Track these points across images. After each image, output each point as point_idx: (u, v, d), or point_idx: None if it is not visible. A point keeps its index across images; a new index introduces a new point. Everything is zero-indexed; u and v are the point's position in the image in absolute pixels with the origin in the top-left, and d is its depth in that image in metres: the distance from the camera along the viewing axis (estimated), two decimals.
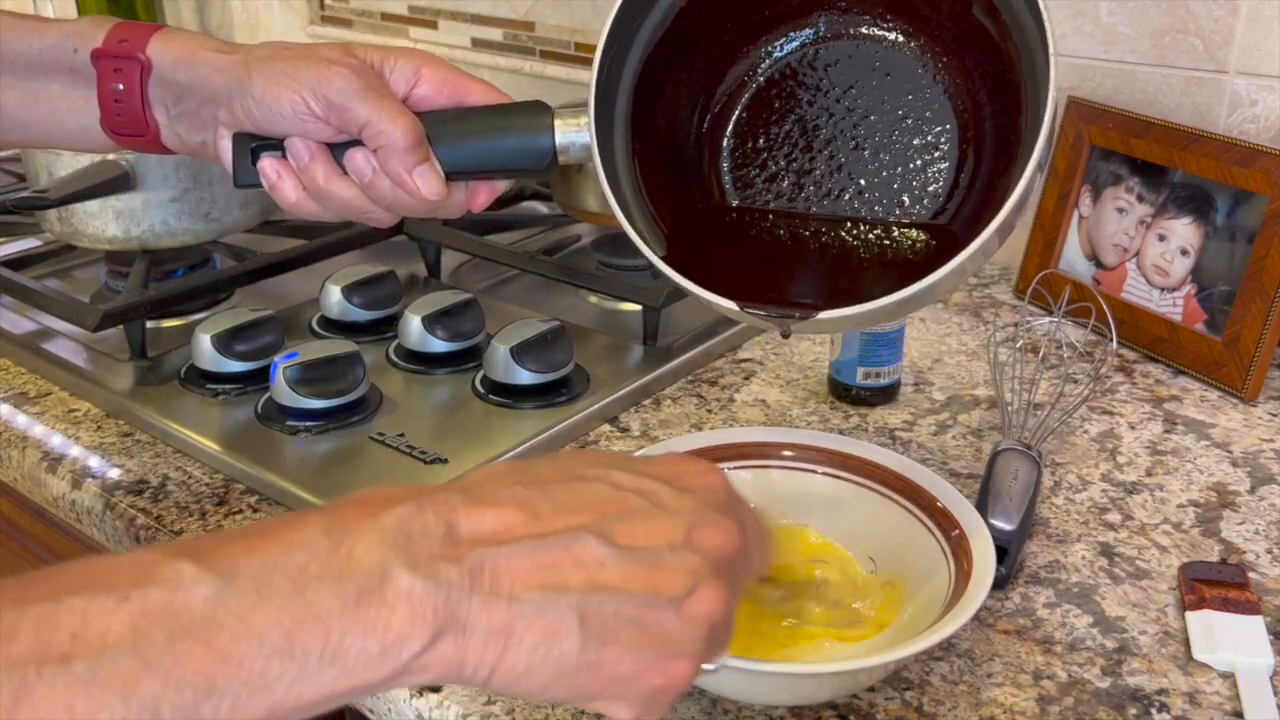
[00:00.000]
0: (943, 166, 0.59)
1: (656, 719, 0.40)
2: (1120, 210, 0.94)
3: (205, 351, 0.84)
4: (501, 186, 0.61)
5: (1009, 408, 0.78)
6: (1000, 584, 0.64)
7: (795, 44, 0.62)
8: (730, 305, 0.55)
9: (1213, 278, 0.88)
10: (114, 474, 0.76)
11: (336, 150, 0.57)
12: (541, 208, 1.21)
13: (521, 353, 0.81)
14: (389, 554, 0.36)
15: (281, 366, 0.78)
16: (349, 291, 0.93)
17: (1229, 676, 0.58)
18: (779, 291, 0.59)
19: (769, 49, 0.63)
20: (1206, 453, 0.79)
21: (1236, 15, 0.92)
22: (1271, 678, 0.57)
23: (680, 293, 0.56)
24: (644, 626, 0.38)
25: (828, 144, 0.61)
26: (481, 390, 0.83)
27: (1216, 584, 0.63)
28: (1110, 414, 0.84)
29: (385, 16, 1.53)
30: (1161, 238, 0.91)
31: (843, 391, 0.85)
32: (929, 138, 0.60)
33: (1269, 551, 0.68)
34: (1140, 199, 0.93)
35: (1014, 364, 0.85)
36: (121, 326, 0.89)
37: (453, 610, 0.36)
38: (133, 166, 0.95)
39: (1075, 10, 1.00)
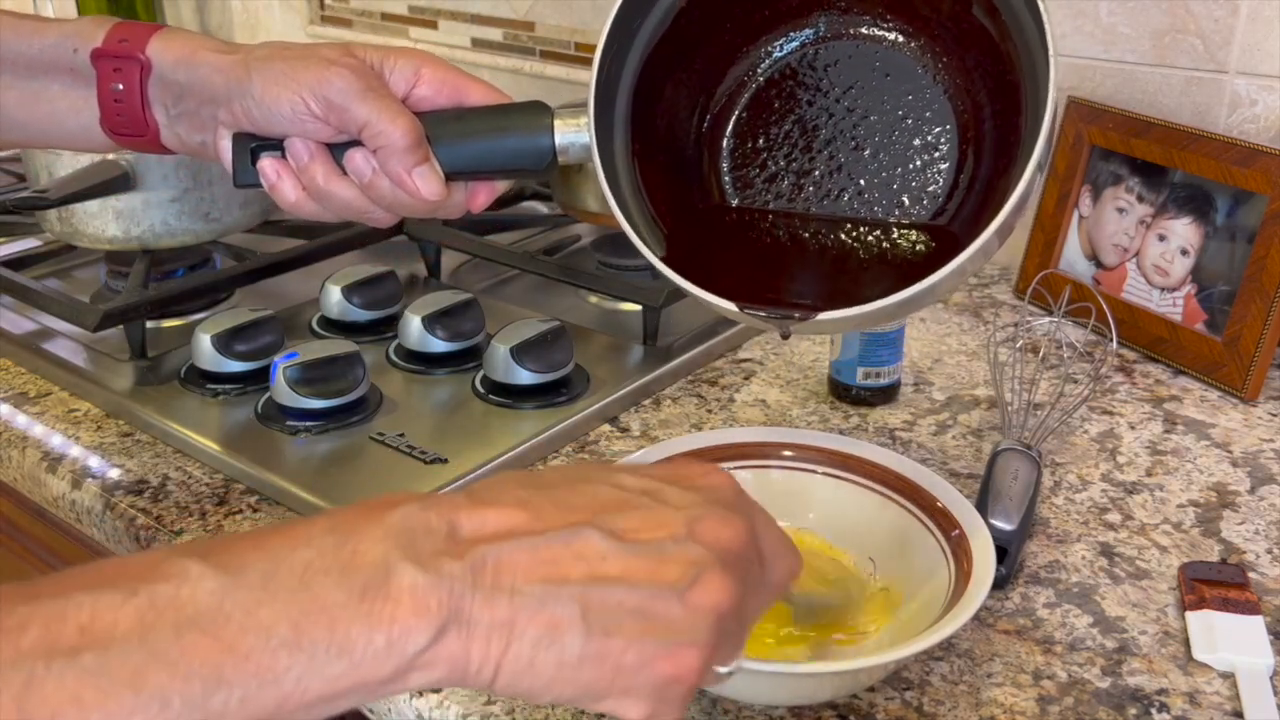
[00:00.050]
0: (942, 167, 0.59)
1: (674, 717, 0.40)
2: (1120, 210, 0.94)
3: (205, 351, 0.84)
4: (501, 187, 0.61)
5: (1009, 408, 0.78)
6: (1000, 584, 0.64)
7: (795, 44, 0.62)
8: (729, 306, 0.55)
9: (1213, 278, 0.88)
10: (114, 474, 0.76)
11: (336, 150, 0.57)
12: (541, 208, 1.21)
13: (521, 353, 0.81)
14: (393, 549, 0.36)
15: (281, 366, 0.78)
16: (349, 291, 0.93)
17: (1229, 676, 0.58)
18: (778, 292, 0.59)
19: (769, 49, 0.63)
20: (1206, 453, 0.79)
21: (1236, 15, 0.92)
22: (1271, 678, 0.57)
23: (680, 293, 0.56)
24: (648, 616, 0.38)
25: (827, 144, 0.61)
26: (481, 390, 0.83)
27: (1216, 584, 0.63)
28: (1110, 414, 0.84)
29: (385, 16, 1.53)
30: (1161, 238, 0.91)
31: (843, 391, 0.85)
32: (929, 138, 0.60)
33: (1269, 551, 0.68)
34: (1140, 199, 0.93)
35: (1014, 364, 0.85)
36: (121, 326, 0.89)
37: (456, 604, 0.36)
38: (133, 166, 0.95)
39: (1075, 10, 1.00)
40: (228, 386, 0.84)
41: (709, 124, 0.64)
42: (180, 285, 0.96)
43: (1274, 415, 0.84)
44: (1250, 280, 0.84)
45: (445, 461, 0.74)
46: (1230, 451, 0.79)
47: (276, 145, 0.58)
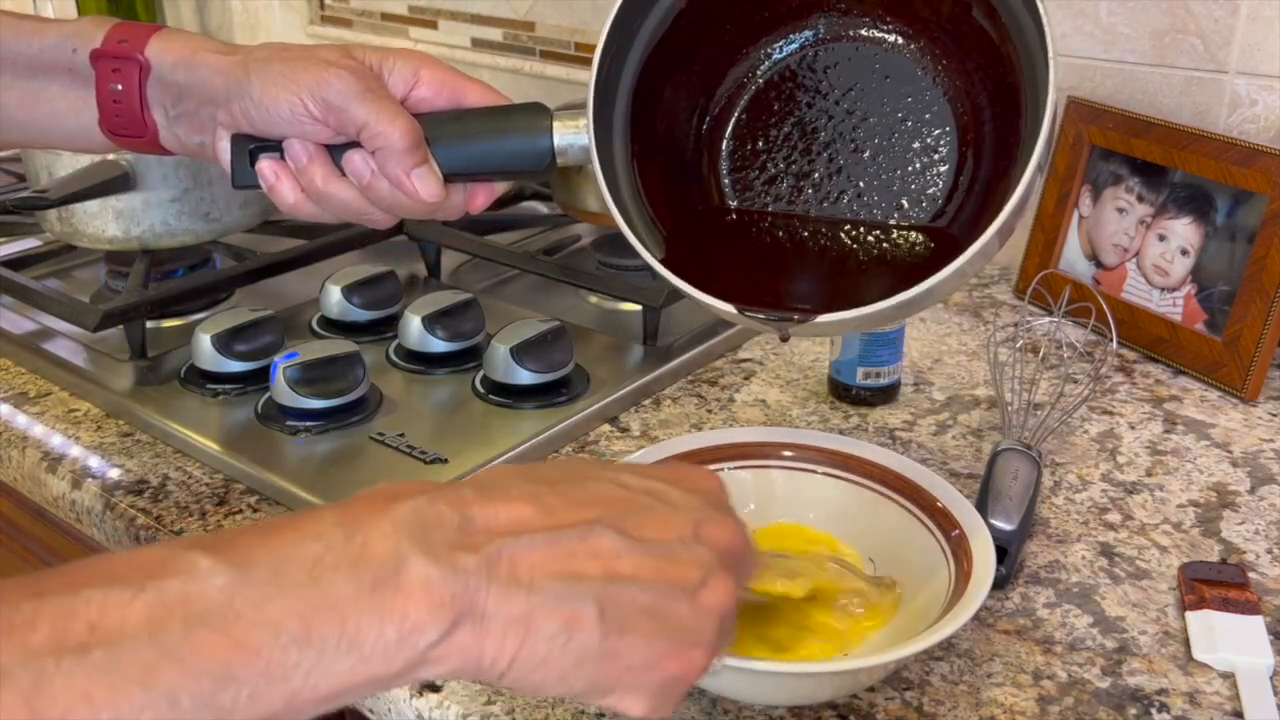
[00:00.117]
0: (942, 169, 0.59)
1: (668, 713, 0.40)
2: (1120, 210, 0.94)
3: (205, 351, 0.84)
4: (500, 188, 0.61)
5: (1009, 408, 0.78)
6: (1000, 584, 0.64)
7: (795, 46, 0.62)
8: (728, 308, 0.55)
9: (1213, 278, 0.88)
10: (114, 474, 0.76)
11: (335, 152, 0.57)
12: (541, 208, 1.21)
13: (521, 353, 0.81)
14: (404, 542, 0.36)
15: (281, 366, 0.78)
16: (349, 291, 0.93)
17: (1229, 676, 0.58)
18: (777, 294, 0.59)
19: (768, 51, 0.63)
20: (1206, 453, 0.79)
21: (1236, 15, 0.92)
22: (1271, 678, 0.57)
23: (680, 293, 0.56)
24: (660, 616, 0.39)
25: (827, 146, 0.61)
26: (481, 390, 0.83)
27: (1216, 584, 0.63)
28: (1110, 414, 0.84)
29: (385, 16, 1.53)
30: (1161, 238, 0.91)
31: (843, 391, 0.85)
32: (928, 140, 0.60)
33: (1269, 551, 0.68)
34: (1140, 199, 0.93)
35: (1014, 364, 0.85)
36: (121, 326, 0.89)
37: (470, 598, 0.36)
38: (133, 166, 0.95)
39: (1075, 10, 1.00)
40: (228, 386, 0.84)
41: (708, 126, 0.63)
42: (180, 285, 0.96)
43: (1274, 415, 0.84)
44: (1250, 280, 0.84)
45: (445, 461, 0.74)
46: (1230, 451, 0.79)
47: (275, 146, 0.58)
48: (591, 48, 0.58)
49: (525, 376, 0.81)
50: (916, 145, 0.60)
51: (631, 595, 0.38)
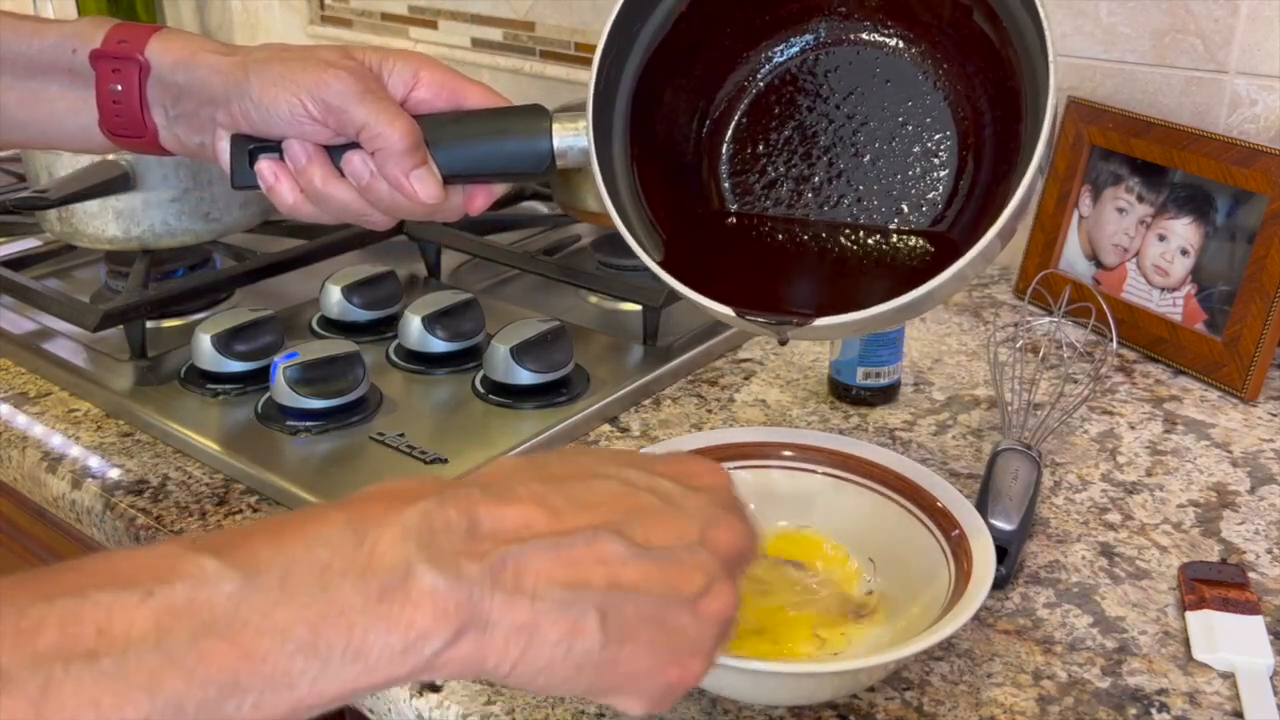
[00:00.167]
0: (942, 174, 0.59)
1: (665, 711, 0.41)
2: (1120, 210, 0.94)
3: (205, 351, 0.84)
4: (499, 190, 0.61)
5: (1009, 408, 0.78)
6: (1000, 584, 0.64)
7: (795, 49, 0.62)
8: (727, 311, 0.55)
9: (1213, 278, 0.88)
10: (114, 474, 0.76)
11: (334, 153, 0.57)
12: (541, 208, 1.21)
13: (521, 353, 0.81)
14: (412, 550, 0.36)
15: (281, 366, 0.78)
16: (349, 291, 0.93)
17: (1229, 676, 0.58)
18: (776, 298, 0.58)
19: (769, 54, 0.63)
20: (1206, 453, 0.79)
21: (1236, 15, 0.92)
22: (1271, 678, 0.57)
23: (680, 294, 0.56)
24: (661, 624, 0.39)
25: (827, 150, 0.61)
26: (481, 390, 0.83)
27: (1216, 584, 0.63)
28: (1110, 414, 0.84)
29: (385, 16, 1.53)
30: (1161, 238, 0.91)
31: (843, 391, 0.85)
32: (929, 145, 0.59)
33: (1269, 551, 0.68)
34: (1140, 199, 0.93)
35: (1014, 364, 0.85)
36: (121, 326, 0.89)
37: (475, 607, 0.36)
38: (133, 166, 0.95)
39: (1075, 10, 0.99)
40: (228, 386, 0.84)
41: (709, 129, 0.63)
42: (180, 285, 0.96)
43: (1274, 415, 0.84)
44: (1250, 280, 0.84)
45: (445, 461, 0.74)
46: (1230, 451, 0.79)
47: (275, 147, 0.58)
48: (591, 48, 0.58)
49: (525, 376, 0.81)
50: (917, 149, 0.59)
51: (634, 604, 0.39)
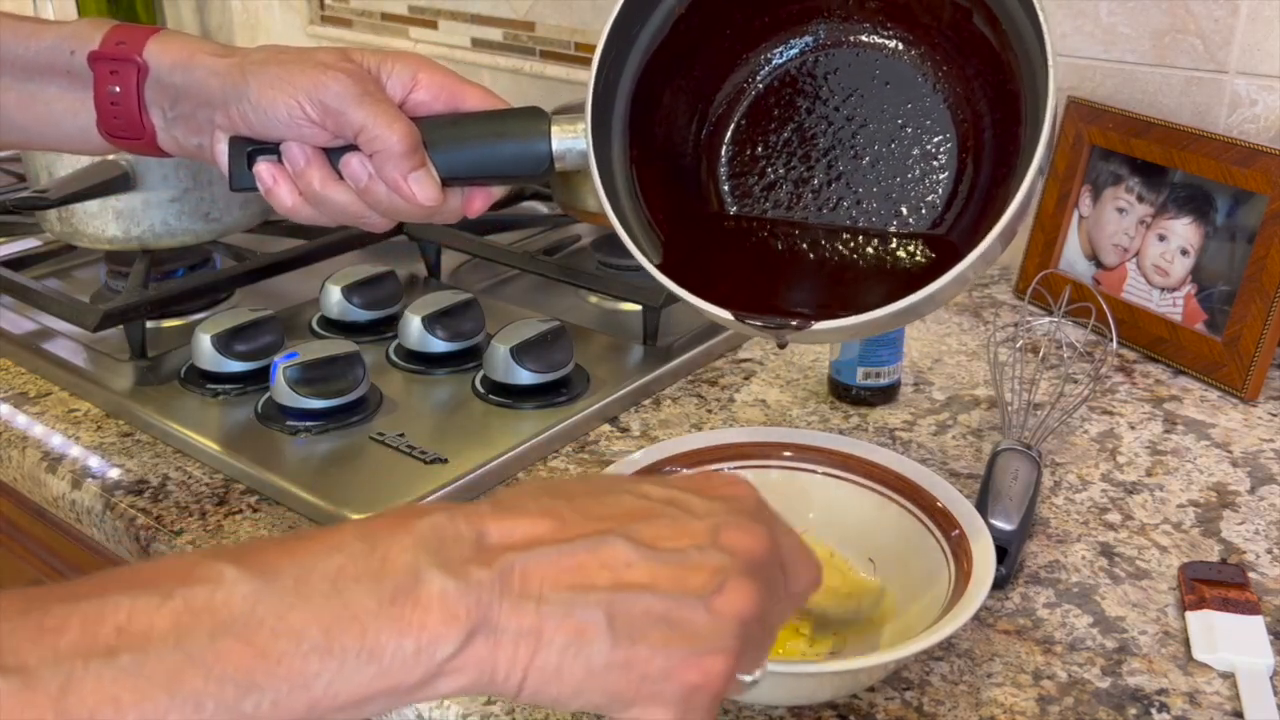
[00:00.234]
0: (942, 176, 0.59)
1: None
2: (1120, 210, 0.94)
3: (205, 351, 0.84)
4: (498, 192, 0.61)
5: (1009, 408, 0.78)
6: (1000, 584, 0.64)
7: (795, 51, 0.62)
8: (725, 315, 0.55)
9: (1213, 278, 0.88)
10: (114, 474, 0.76)
11: (333, 155, 0.57)
12: (541, 208, 1.21)
13: (521, 353, 0.81)
14: (422, 556, 0.37)
15: (281, 366, 0.78)
16: (349, 291, 0.93)
17: (1229, 676, 0.58)
18: (775, 301, 0.58)
19: (768, 56, 0.63)
20: (1206, 453, 0.79)
21: (1236, 15, 0.92)
22: (1271, 678, 0.57)
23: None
24: (673, 624, 0.38)
25: (826, 153, 0.61)
26: (481, 390, 0.83)
27: (1216, 584, 0.63)
28: (1110, 414, 0.84)
29: (385, 16, 1.53)
30: (1161, 238, 0.91)
31: (843, 391, 0.85)
32: (928, 147, 0.59)
33: (1269, 551, 0.68)
34: (1140, 199, 0.93)
35: (1014, 364, 0.85)
36: (121, 326, 0.89)
37: (484, 612, 0.36)
38: (133, 167, 0.95)
39: (1075, 10, 0.99)
40: (228, 386, 0.84)
41: (708, 131, 0.63)
42: (180, 285, 0.96)
43: (1274, 415, 0.84)
44: (1250, 280, 0.84)
45: (445, 461, 0.74)
46: (1230, 451, 0.79)
47: (273, 149, 0.58)
48: (591, 48, 0.58)
49: (525, 376, 0.81)
50: (916, 152, 0.59)
51: (644, 604, 0.38)
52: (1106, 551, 0.68)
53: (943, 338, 0.96)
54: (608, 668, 0.38)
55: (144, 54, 0.58)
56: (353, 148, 0.56)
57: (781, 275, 0.60)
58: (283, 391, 0.78)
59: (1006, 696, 0.57)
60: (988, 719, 0.55)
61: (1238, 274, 0.86)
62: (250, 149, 0.58)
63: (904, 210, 0.59)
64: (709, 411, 0.84)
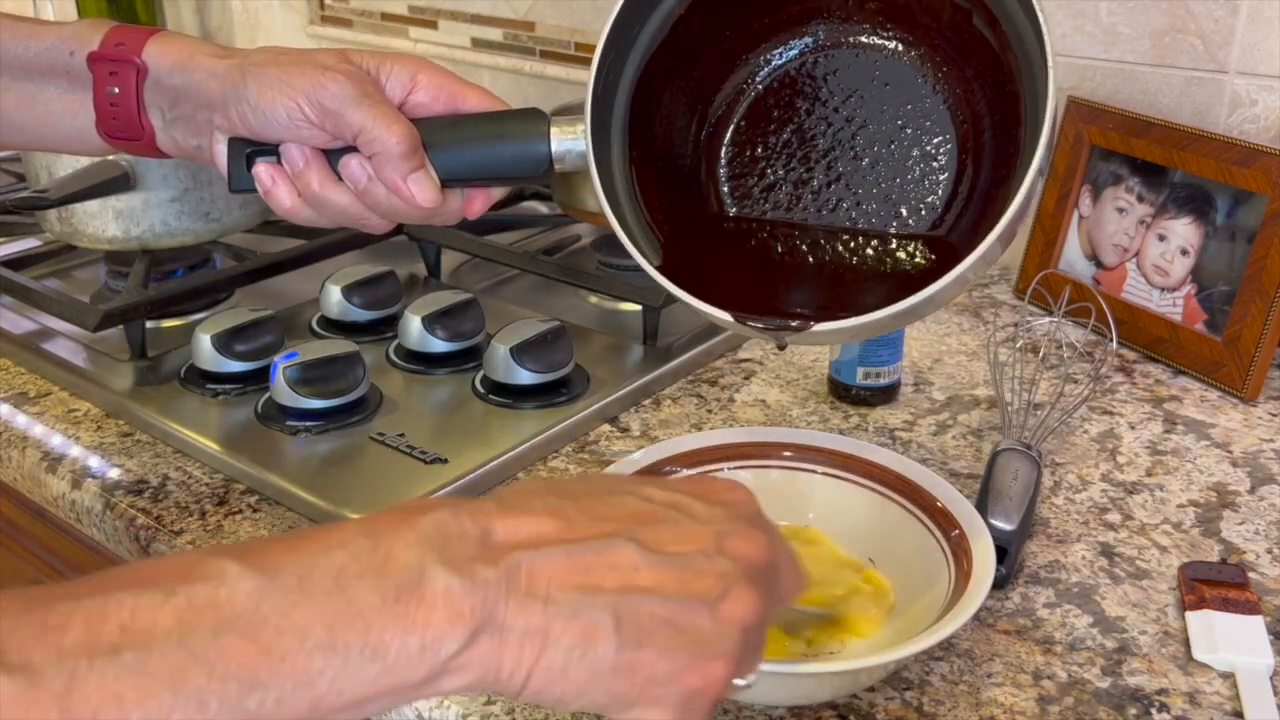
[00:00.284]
0: (941, 178, 0.59)
1: None
2: (1120, 210, 0.94)
3: (205, 351, 0.84)
4: (497, 193, 0.61)
5: (1009, 408, 0.78)
6: (1000, 584, 0.64)
7: (794, 52, 0.62)
8: (725, 316, 0.55)
9: (1213, 278, 0.88)
10: (114, 474, 0.76)
11: (332, 157, 0.57)
12: (541, 208, 1.21)
13: (521, 353, 0.81)
14: (427, 553, 0.36)
15: (281, 366, 0.78)
16: (349, 291, 0.93)
17: (1229, 676, 0.58)
18: (775, 302, 0.58)
19: (768, 57, 0.63)
20: (1206, 453, 0.79)
21: (1236, 15, 0.92)
22: (1271, 678, 0.57)
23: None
24: (679, 628, 0.39)
25: (826, 154, 0.61)
26: (481, 390, 0.83)
27: (1216, 584, 0.63)
28: (1110, 414, 0.84)
29: (385, 16, 1.53)
30: (1161, 238, 0.91)
31: (843, 391, 0.85)
32: (928, 148, 0.59)
33: (1269, 551, 0.68)
34: (1140, 199, 0.93)
35: (1014, 364, 0.85)
36: (121, 326, 0.89)
37: (490, 610, 0.36)
38: (132, 167, 0.96)
39: (1075, 10, 0.99)
40: (228, 386, 0.84)
41: (707, 132, 0.63)
42: (180, 285, 0.96)
43: (1274, 415, 0.84)
44: (1250, 280, 0.84)
45: (445, 461, 0.74)
46: (1230, 451, 0.79)
47: (272, 151, 0.57)
48: (591, 48, 0.58)
49: (525, 376, 0.81)
50: (916, 153, 0.59)
51: (650, 607, 0.38)
52: (1106, 551, 0.68)
53: (943, 338, 0.96)
54: (613, 670, 0.38)
55: (143, 55, 0.58)
56: (352, 149, 0.56)
57: (781, 277, 0.60)
58: (283, 391, 0.78)
59: (1006, 696, 0.57)
60: (988, 719, 0.55)
61: (1238, 274, 0.86)
62: (249, 150, 0.58)
63: (904, 211, 0.59)
64: (709, 411, 0.84)
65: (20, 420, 0.84)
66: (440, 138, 0.57)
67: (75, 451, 0.79)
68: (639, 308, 0.91)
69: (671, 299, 0.56)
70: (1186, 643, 0.60)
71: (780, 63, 0.62)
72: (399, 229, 1.02)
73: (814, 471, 0.67)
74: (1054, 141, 0.52)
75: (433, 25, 1.48)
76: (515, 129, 0.57)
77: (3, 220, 1.12)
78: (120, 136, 0.60)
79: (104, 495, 0.74)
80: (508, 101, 0.60)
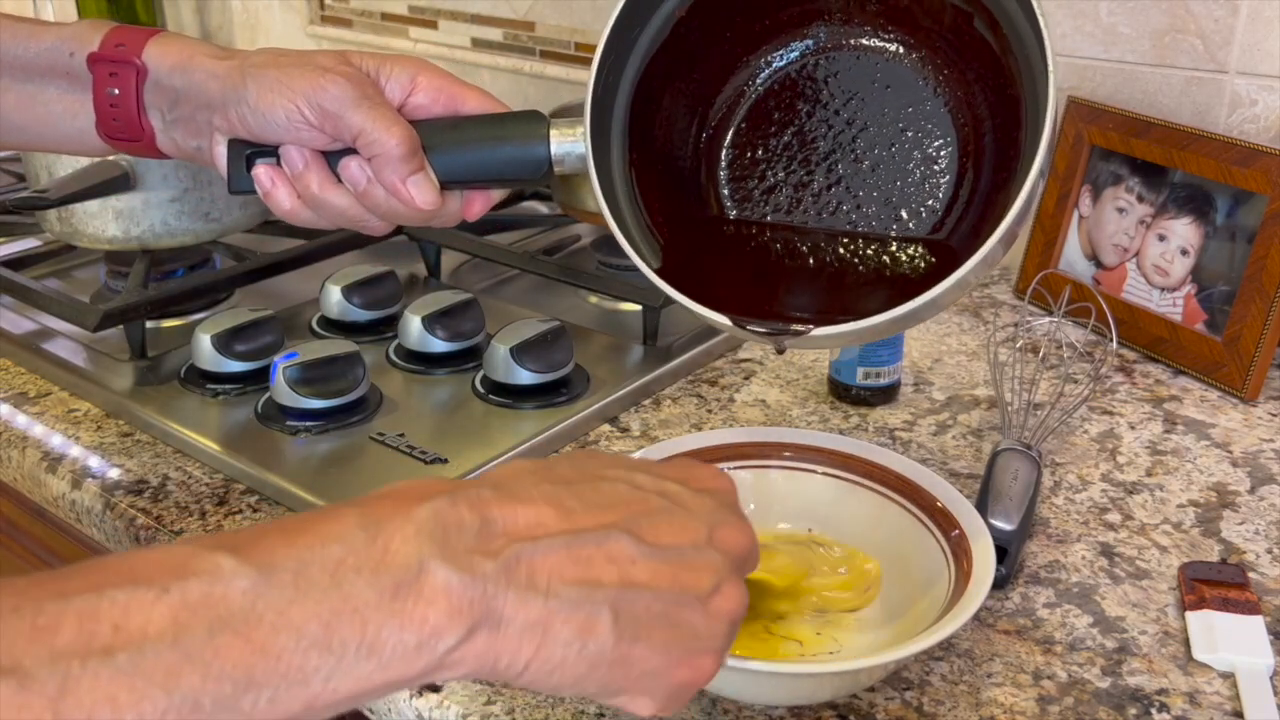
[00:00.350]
0: (942, 180, 0.59)
1: (674, 712, 0.41)
2: (1120, 210, 0.94)
3: (205, 351, 0.84)
4: (497, 195, 0.61)
5: (1009, 408, 0.78)
6: (1000, 584, 0.64)
7: (795, 54, 0.62)
8: (724, 320, 0.54)
9: (1213, 278, 0.88)
10: (114, 474, 0.76)
11: (331, 158, 0.57)
12: (541, 208, 1.21)
13: (521, 353, 0.81)
14: (425, 547, 0.36)
15: (281, 366, 0.78)
16: (349, 291, 0.93)
17: (1229, 676, 0.58)
18: (775, 306, 0.58)
19: (769, 59, 0.63)
20: (1206, 453, 0.79)
21: (1236, 15, 0.92)
22: (1271, 678, 0.57)
23: None
24: (673, 623, 0.40)
25: (826, 156, 0.61)
26: (481, 390, 0.83)
27: (1216, 584, 0.63)
28: (1110, 414, 0.84)
29: (385, 16, 1.53)
30: (1161, 238, 0.91)
31: (843, 391, 0.85)
32: (929, 151, 0.59)
33: (1269, 551, 0.68)
34: (1140, 199, 0.93)
35: (1014, 364, 0.85)
36: (121, 326, 0.89)
37: (489, 604, 0.36)
38: (132, 167, 0.96)
39: (1075, 10, 0.99)
40: (228, 386, 0.84)
41: (708, 134, 0.63)
42: (180, 285, 0.96)
43: (1274, 415, 0.84)
44: (1250, 280, 0.84)
45: (445, 461, 0.74)
46: (1230, 451, 0.79)
47: (272, 152, 0.57)
48: (591, 48, 0.58)
49: (525, 376, 0.81)
50: (917, 156, 0.59)
51: (646, 602, 0.39)
52: (1106, 551, 0.68)
53: (943, 338, 0.96)
54: (609, 663, 0.38)
55: (143, 56, 0.58)
56: (351, 151, 0.56)
57: (781, 280, 0.59)
58: (283, 391, 0.78)
59: (1006, 696, 0.57)
60: (988, 719, 0.55)
61: (1238, 274, 0.86)
62: (249, 152, 0.58)
63: (904, 214, 0.59)
64: (709, 411, 0.84)
65: (20, 420, 0.84)
66: (440, 140, 0.57)
67: (75, 451, 0.79)
68: (639, 308, 0.91)
69: (671, 299, 0.56)
70: (1186, 643, 0.60)
71: (781, 65, 0.62)
72: (398, 229, 1.02)
73: (814, 472, 0.67)
74: (1055, 145, 0.51)
75: (433, 25, 1.48)
76: (515, 131, 0.57)
77: (3, 220, 1.12)
78: (120, 137, 0.60)
79: (104, 495, 0.74)
80: (507, 102, 0.60)
